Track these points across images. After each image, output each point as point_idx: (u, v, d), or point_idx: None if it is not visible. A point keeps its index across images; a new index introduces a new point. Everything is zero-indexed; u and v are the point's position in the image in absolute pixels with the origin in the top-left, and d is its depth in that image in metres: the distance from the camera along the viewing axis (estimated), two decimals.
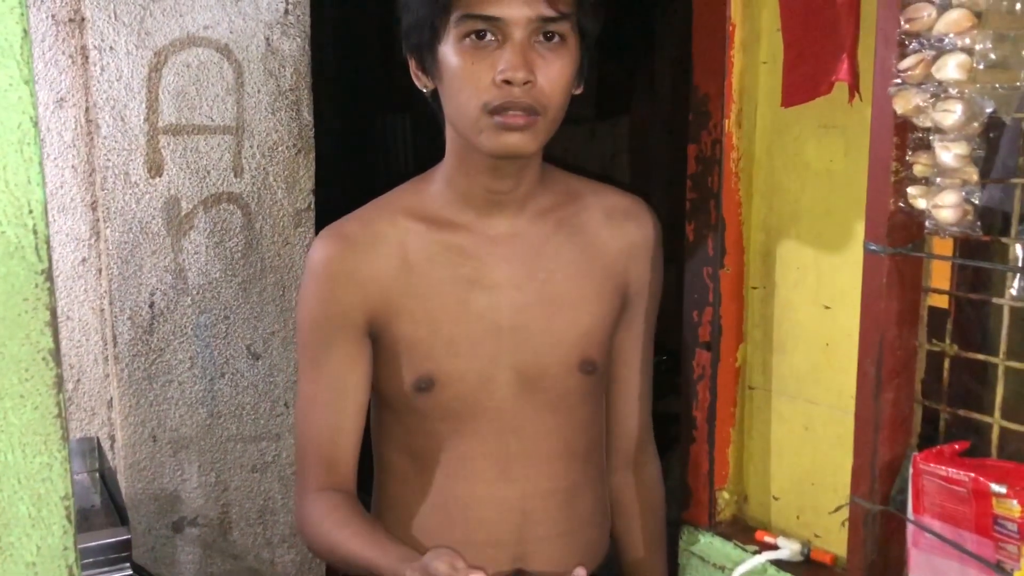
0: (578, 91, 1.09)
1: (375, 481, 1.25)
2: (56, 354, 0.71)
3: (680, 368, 1.35)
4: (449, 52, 1.03)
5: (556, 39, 1.02)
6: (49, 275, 0.71)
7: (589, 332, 1.16)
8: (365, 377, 1.16)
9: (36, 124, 0.70)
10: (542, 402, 1.15)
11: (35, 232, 0.70)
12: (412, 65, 1.11)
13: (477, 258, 1.13)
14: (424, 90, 1.11)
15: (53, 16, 1.67)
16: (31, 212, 0.70)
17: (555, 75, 1.02)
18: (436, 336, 1.12)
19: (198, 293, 1.76)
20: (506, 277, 1.14)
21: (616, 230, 1.19)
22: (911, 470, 1.04)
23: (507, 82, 1.00)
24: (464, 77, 1.02)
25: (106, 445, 1.75)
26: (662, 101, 3.71)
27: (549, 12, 1.00)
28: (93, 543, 1.34)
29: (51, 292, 0.71)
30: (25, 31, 0.68)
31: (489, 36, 1.01)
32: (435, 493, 1.17)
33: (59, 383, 0.72)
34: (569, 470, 1.19)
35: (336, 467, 1.15)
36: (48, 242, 0.70)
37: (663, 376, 2.00)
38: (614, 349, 1.23)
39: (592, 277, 1.17)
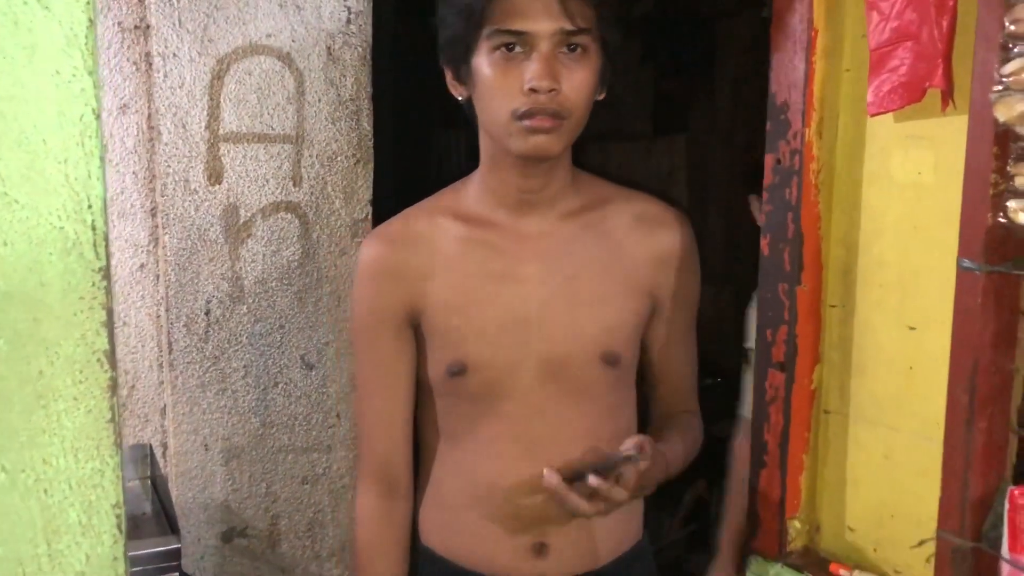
0: (600, 97, 1.18)
1: (419, 460, 1.35)
2: (111, 356, 0.69)
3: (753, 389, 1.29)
4: (482, 63, 1.12)
5: (578, 50, 1.11)
6: (107, 274, 0.68)
7: (611, 327, 1.23)
8: (411, 365, 1.26)
9: (98, 116, 0.67)
10: (565, 390, 1.22)
11: (94, 228, 0.67)
12: (448, 76, 1.20)
13: (508, 254, 1.22)
14: (460, 98, 1.20)
15: (119, 23, 1.67)
16: (90, 207, 0.67)
17: (578, 83, 1.11)
18: (468, 325, 1.21)
19: (254, 301, 1.75)
20: (534, 273, 1.21)
21: (644, 235, 1.26)
22: (1007, 505, 0.97)
23: (534, 90, 1.09)
24: (495, 86, 1.12)
25: (158, 452, 1.74)
26: (720, 118, 3.66)
27: (570, 26, 1.09)
28: (143, 551, 1.33)
29: (108, 292, 0.68)
30: (91, 20, 0.65)
31: (518, 48, 1.10)
32: (465, 471, 1.26)
33: (113, 386, 0.69)
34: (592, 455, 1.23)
35: (389, 453, 1.28)
36: (107, 239, 0.68)
37: (718, 400, 1.93)
38: (648, 345, 1.30)
39: (615, 276, 1.24)
